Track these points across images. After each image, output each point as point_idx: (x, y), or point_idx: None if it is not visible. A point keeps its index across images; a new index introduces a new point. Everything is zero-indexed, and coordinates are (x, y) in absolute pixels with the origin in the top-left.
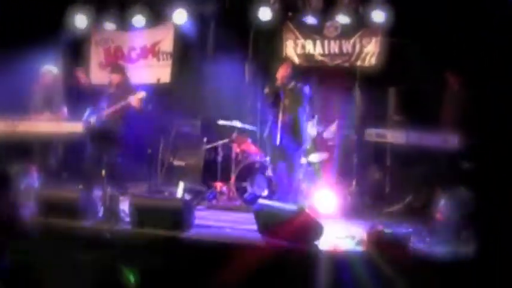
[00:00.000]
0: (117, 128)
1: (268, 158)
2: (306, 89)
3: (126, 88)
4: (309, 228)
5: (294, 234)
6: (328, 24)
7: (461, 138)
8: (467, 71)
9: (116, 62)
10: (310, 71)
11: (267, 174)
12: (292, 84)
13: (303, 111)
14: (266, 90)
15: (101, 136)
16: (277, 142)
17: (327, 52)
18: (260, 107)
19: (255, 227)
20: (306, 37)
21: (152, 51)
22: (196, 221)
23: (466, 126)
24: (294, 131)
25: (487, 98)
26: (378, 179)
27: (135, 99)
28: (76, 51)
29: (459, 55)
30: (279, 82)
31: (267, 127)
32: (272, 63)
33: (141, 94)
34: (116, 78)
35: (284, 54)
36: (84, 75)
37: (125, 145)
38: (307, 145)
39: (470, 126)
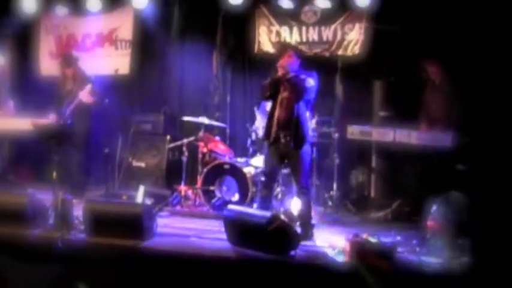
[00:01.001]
0: (81, 126)
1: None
2: (311, 81)
3: (81, 81)
4: (284, 237)
5: (267, 244)
6: (306, 8)
7: (454, 136)
8: (459, 61)
9: (66, 53)
10: None
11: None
12: (294, 74)
13: (304, 107)
14: (266, 82)
15: (57, 135)
16: (270, 141)
17: (304, 40)
18: (230, 101)
19: (224, 236)
20: (281, 23)
21: (109, 38)
22: (158, 229)
23: (452, 123)
24: (292, 129)
25: (477, 91)
26: (362, 182)
27: (84, 94)
28: (24, 39)
29: (452, 44)
30: (280, 72)
31: (262, 126)
32: (243, 52)
33: (88, 87)
34: (69, 72)
35: (257, 42)
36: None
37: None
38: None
39: (457, 123)
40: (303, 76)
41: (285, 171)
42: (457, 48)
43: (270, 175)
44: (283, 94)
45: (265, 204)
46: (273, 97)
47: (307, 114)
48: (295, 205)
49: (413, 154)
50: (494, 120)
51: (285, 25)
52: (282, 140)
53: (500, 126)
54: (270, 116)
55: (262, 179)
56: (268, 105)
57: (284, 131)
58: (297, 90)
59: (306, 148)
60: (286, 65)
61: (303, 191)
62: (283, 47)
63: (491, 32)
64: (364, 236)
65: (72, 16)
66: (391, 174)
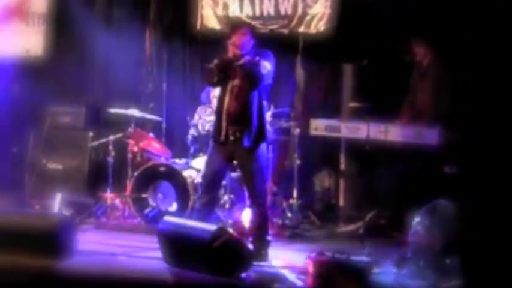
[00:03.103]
0: None
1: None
2: (267, 64)
3: None
4: (233, 256)
5: (212, 264)
6: None
7: (442, 132)
8: (452, 39)
9: None
10: None
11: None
12: (247, 58)
13: (260, 96)
14: (212, 64)
15: None
16: (221, 139)
17: (258, 14)
18: (167, 89)
19: (159, 254)
20: None
21: (19, 12)
22: (79, 246)
23: (439, 116)
24: (245, 124)
25: (472, 78)
26: (328, 188)
27: None
28: None
29: (444, 18)
30: (231, 53)
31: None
32: (183, 29)
33: None
34: None
35: (199, 16)
36: None
37: None
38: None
39: (446, 116)
40: (257, 59)
41: (234, 174)
42: (450, 24)
43: (212, 179)
44: (235, 81)
45: (204, 216)
46: (222, 84)
47: (264, 104)
48: (246, 216)
49: (391, 154)
50: (491, 114)
51: None
52: (231, 137)
53: (497, 121)
54: (219, 108)
55: (201, 182)
56: (215, 93)
57: (235, 126)
58: (251, 77)
59: (263, 147)
60: (240, 45)
61: (257, 200)
62: (235, 22)
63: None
64: (331, 254)
65: None
66: (364, 178)
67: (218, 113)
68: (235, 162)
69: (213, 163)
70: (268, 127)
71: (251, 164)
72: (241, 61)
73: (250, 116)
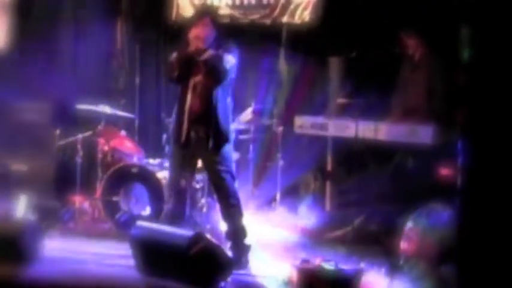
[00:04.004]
0: None
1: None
2: (230, 58)
3: None
4: (211, 264)
5: (189, 272)
6: None
7: (437, 130)
8: (446, 31)
9: None
10: None
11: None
12: (210, 52)
13: (224, 93)
14: (173, 56)
15: None
16: (183, 140)
17: (238, 3)
18: (140, 84)
19: (131, 262)
20: None
21: None
22: (45, 253)
23: (434, 113)
24: (210, 124)
25: (468, 71)
26: (315, 190)
27: None
28: None
29: (438, 8)
30: (193, 46)
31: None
32: (157, 19)
33: None
34: None
35: (175, 5)
36: None
37: None
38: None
39: (441, 113)
40: (220, 53)
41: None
42: (445, 14)
43: (178, 185)
44: (196, 78)
45: (174, 222)
46: (183, 79)
47: (228, 100)
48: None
49: (381, 154)
50: (490, 110)
51: None
52: (194, 138)
53: (497, 117)
54: (180, 107)
55: (168, 189)
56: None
57: (198, 125)
58: (215, 73)
59: (228, 148)
60: (204, 38)
61: (230, 202)
62: (200, 12)
63: None
64: (317, 261)
65: None
66: (353, 180)
67: (179, 112)
68: (200, 165)
69: (176, 168)
70: (232, 126)
71: (218, 166)
72: (205, 56)
73: (215, 115)
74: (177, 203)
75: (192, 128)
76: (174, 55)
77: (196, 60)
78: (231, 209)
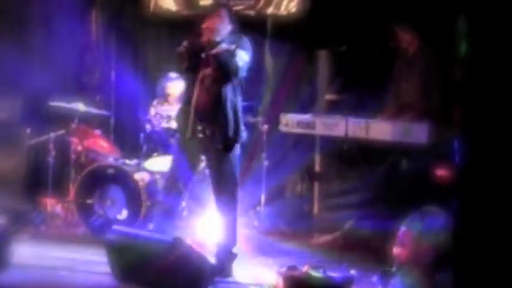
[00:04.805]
0: None
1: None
2: (244, 55)
3: None
4: (192, 270)
5: (169, 280)
6: None
7: (432, 129)
8: (441, 25)
9: None
10: (194, 22)
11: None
12: (223, 46)
13: (235, 92)
14: (182, 47)
15: None
16: (188, 136)
17: None
18: (116, 79)
19: (107, 268)
20: None
21: None
22: (14, 259)
23: (428, 110)
24: (218, 122)
25: (465, 67)
26: (301, 193)
27: None
28: None
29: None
30: (205, 37)
31: (165, 115)
32: (134, 9)
33: None
34: None
35: None
36: None
37: None
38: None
39: (437, 110)
40: (232, 48)
41: (197, 177)
42: (440, 7)
43: (177, 182)
44: (206, 70)
45: (165, 223)
46: (193, 71)
47: (239, 100)
48: (209, 225)
49: (373, 154)
50: (488, 107)
51: None
52: (200, 135)
53: (495, 115)
54: (186, 100)
55: (165, 185)
56: (178, 85)
57: (205, 122)
58: (224, 69)
59: (236, 149)
60: (216, 30)
61: (225, 207)
62: (217, 3)
63: None
64: (304, 268)
65: None
66: (342, 182)
67: (185, 103)
68: (205, 163)
69: (177, 163)
70: (243, 127)
71: (222, 167)
72: (216, 49)
73: (224, 114)
74: (173, 196)
75: (198, 125)
76: (184, 44)
77: (207, 53)
78: (224, 214)
